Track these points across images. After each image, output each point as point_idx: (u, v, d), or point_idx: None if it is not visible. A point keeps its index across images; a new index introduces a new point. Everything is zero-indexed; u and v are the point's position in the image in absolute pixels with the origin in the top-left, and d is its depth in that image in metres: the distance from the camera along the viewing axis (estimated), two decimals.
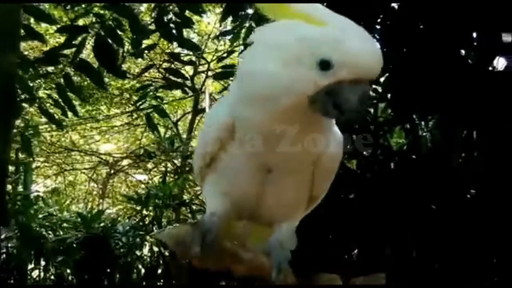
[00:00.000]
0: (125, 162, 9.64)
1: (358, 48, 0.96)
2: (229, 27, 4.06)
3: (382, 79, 3.53)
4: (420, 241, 2.87)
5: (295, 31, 1.00)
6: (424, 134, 3.54)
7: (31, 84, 3.33)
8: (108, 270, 6.01)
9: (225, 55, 4.18)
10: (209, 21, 6.85)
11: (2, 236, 5.77)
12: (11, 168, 7.04)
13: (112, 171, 9.98)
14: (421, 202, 2.81)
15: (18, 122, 5.71)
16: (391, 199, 2.87)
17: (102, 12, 2.91)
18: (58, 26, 3.03)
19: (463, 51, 3.04)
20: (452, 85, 2.80)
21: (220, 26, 5.31)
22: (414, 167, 3.00)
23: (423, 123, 3.52)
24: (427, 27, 3.01)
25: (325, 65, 0.95)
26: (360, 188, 3.22)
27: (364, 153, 3.43)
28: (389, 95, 3.45)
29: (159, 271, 6.44)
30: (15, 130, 5.86)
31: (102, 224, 6.40)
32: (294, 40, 0.98)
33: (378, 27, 3.38)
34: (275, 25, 1.05)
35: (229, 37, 4.07)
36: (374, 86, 3.66)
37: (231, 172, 1.17)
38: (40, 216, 6.84)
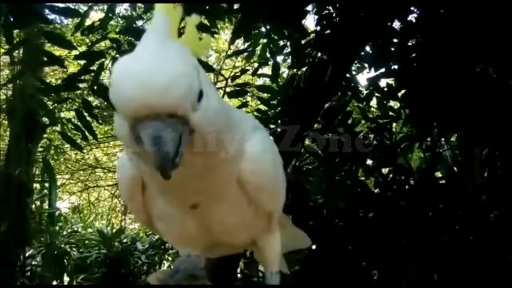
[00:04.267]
0: None
1: (119, 82, 0.75)
2: (244, 45, 4.08)
3: (399, 94, 3.49)
4: (441, 261, 2.77)
5: None
6: (444, 151, 3.44)
7: (52, 107, 3.41)
8: None
9: (238, 73, 4.19)
10: (227, 38, 6.93)
11: (27, 254, 5.88)
12: (37, 186, 7.23)
13: None
14: (442, 222, 2.72)
15: (43, 141, 5.90)
16: (410, 218, 2.79)
17: (117, 37, 2.98)
18: (77, 51, 3.11)
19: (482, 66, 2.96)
20: (472, 100, 2.73)
21: (229, 46, 5.35)
22: (434, 186, 2.91)
23: (443, 140, 3.43)
24: (446, 41, 2.95)
25: (112, 105, 0.79)
26: (379, 207, 3.15)
27: (382, 170, 3.37)
28: (407, 110, 3.40)
29: None
30: (41, 149, 6.05)
31: (124, 241, 6.48)
32: None
33: (395, 41, 3.35)
34: None
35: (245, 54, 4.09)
36: (390, 103, 3.64)
37: (161, 217, 1.11)
38: (64, 233, 6.98)
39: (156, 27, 0.84)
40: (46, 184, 7.38)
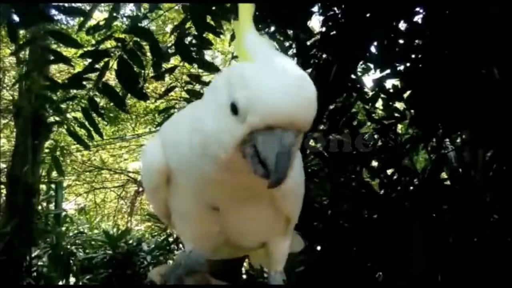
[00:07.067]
0: None
1: (266, 87, 0.76)
2: None
3: (405, 95, 3.47)
4: (445, 262, 2.75)
5: (224, 71, 0.89)
6: (449, 152, 3.41)
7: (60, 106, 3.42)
8: None
9: None
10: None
11: (33, 255, 5.92)
12: (43, 187, 7.28)
13: (140, 189, 10.16)
14: (446, 223, 2.70)
15: (48, 143, 5.94)
16: (415, 220, 2.77)
17: (123, 36, 2.99)
18: (84, 50, 3.13)
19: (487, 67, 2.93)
20: (477, 102, 2.71)
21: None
22: (439, 188, 2.89)
23: (448, 141, 3.40)
24: (452, 42, 2.93)
25: (234, 109, 0.79)
26: (383, 208, 3.13)
27: (387, 172, 3.35)
28: (412, 111, 3.37)
29: None
30: (47, 150, 6.09)
31: (130, 242, 6.50)
32: (219, 82, 0.86)
33: (401, 41, 3.34)
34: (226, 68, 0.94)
35: None
36: (396, 104, 3.62)
37: (181, 214, 1.12)
38: (71, 234, 7.02)
39: (263, 40, 0.88)
40: (53, 186, 7.45)
